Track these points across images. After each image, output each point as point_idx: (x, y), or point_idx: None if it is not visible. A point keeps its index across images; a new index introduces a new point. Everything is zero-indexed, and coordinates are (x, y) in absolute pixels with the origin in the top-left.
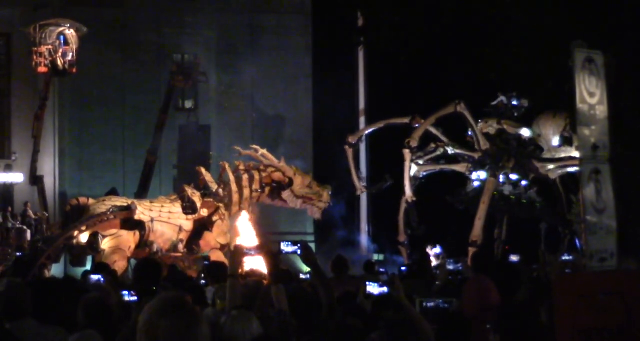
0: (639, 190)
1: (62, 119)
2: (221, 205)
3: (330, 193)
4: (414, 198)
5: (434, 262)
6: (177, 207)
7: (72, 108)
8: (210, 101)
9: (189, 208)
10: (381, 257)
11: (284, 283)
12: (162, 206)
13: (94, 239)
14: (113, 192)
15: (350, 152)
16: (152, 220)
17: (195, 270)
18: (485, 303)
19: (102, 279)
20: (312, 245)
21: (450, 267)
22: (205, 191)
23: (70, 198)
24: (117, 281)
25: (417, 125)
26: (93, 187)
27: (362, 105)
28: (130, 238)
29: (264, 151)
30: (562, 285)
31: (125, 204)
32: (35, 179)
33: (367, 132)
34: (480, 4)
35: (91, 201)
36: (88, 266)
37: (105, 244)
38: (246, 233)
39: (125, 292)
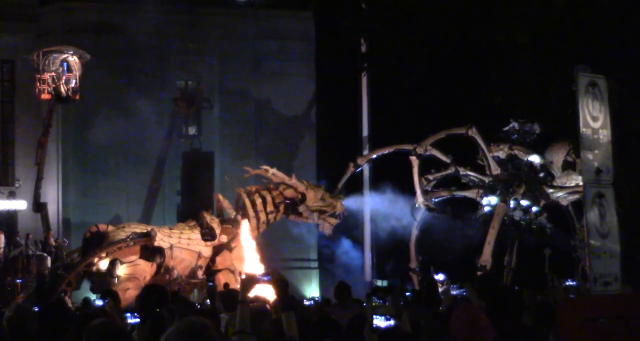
0: None
1: (66, 146)
2: (240, 231)
3: (343, 202)
4: (427, 203)
5: (439, 288)
6: (196, 234)
7: (75, 135)
8: (214, 127)
9: (208, 234)
10: (385, 283)
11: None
12: (182, 232)
13: (112, 265)
14: (116, 219)
15: (350, 171)
16: (171, 247)
17: None
18: (475, 331)
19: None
20: (316, 272)
21: (454, 292)
22: (223, 217)
23: (74, 225)
24: (119, 306)
25: (421, 153)
26: (97, 213)
27: (365, 130)
28: (146, 268)
29: (274, 170)
30: (566, 309)
31: (145, 231)
32: (38, 206)
33: (375, 156)
34: (484, 29)
35: (110, 228)
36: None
37: (122, 271)
38: (251, 260)
39: (128, 314)
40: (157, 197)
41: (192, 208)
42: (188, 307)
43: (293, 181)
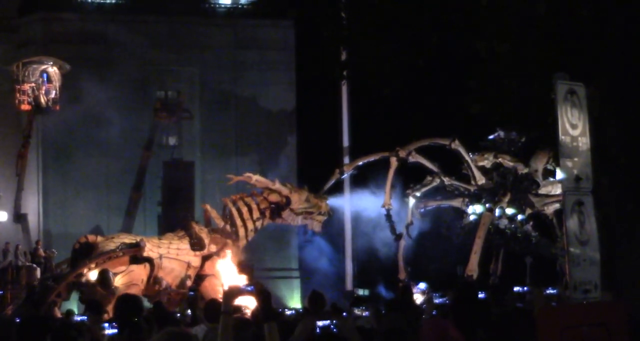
0: (624, 222)
1: (46, 157)
2: (229, 240)
3: (328, 203)
4: (391, 206)
5: (421, 298)
6: (185, 244)
7: (55, 145)
8: (194, 137)
9: (196, 244)
10: (366, 292)
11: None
12: (170, 243)
13: (103, 276)
14: (97, 230)
15: (335, 177)
16: (160, 257)
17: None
18: None
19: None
20: (297, 281)
21: (437, 301)
22: (211, 227)
23: (55, 235)
24: (101, 319)
25: (403, 156)
26: (77, 224)
27: (346, 138)
28: (141, 272)
29: (258, 176)
30: (546, 317)
31: (134, 241)
32: (19, 217)
33: (361, 163)
34: (464, 37)
35: (100, 238)
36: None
37: (118, 281)
38: (229, 271)
39: (106, 324)
40: (138, 207)
41: (173, 218)
42: (166, 317)
43: (277, 185)
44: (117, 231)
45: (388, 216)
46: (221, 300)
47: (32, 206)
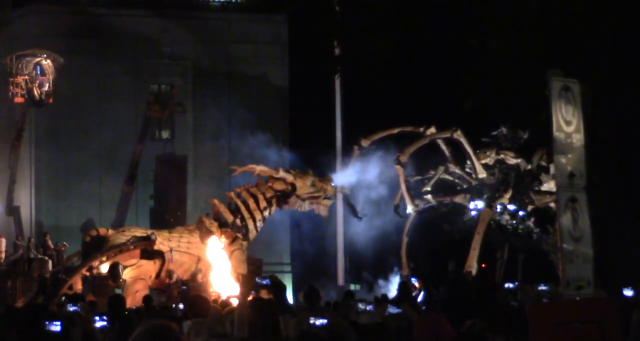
0: (617, 218)
1: (39, 149)
2: (239, 234)
3: (333, 184)
4: (417, 207)
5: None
6: (196, 237)
7: (48, 138)
8: (187, 131)
9: (207, 238)
10: (357, 287)
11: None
12: (181, 236)
13: (114, 269)
14: (89, 223)
15: (356, 154)
16: (171, 250)
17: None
18: (436, 337)
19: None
20: (289, 275)
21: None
22: (221, 221)
23: (48, 228)
24: (93, 311)
25: (404, 161)
26: (69, 217)
27: (339, 133)
28: (150, 267)
29: (261, 166)
30: (539, 313)
31: (145, 234)
32: (11, 209)
33: (380, 137)
34: (458, 33)
35: (110, 231)
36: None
37: (127, 274)
38: (221, 263)
39: (97, 317)
40: (130, 200)
41: (166, 212)
42: (156, 311)
43: (281, 173)
44: (109, 224)
45: (422, 212)
46: (208, 296)
47: (25, 199)
